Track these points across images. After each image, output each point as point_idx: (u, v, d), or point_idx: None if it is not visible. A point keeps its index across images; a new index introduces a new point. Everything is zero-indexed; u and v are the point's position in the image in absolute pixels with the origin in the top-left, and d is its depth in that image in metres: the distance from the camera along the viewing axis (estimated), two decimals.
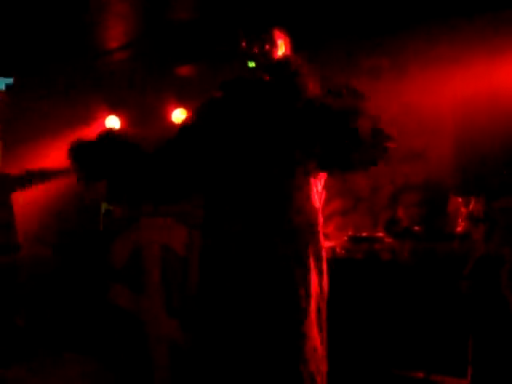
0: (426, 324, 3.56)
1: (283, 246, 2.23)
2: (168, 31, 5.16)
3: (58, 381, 4.41)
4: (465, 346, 3.38)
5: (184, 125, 2.63)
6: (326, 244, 3.94)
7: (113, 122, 6.51)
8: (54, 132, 5.66)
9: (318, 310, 2.30)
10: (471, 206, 3.74)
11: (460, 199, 3.88)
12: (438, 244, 3.72)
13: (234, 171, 2.31)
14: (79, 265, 5.92)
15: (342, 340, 3.74)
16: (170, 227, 4.45)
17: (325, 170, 2.32)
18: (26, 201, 5.28)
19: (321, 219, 2.36)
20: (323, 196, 2.41)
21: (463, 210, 3.78)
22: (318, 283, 2.30)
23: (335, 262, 3.92)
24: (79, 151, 2.45)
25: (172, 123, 6.23)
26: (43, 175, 5.06)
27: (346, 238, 4.00)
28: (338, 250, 3.95)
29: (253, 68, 2.36)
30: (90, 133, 6.62)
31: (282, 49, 2.48)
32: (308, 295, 2.23)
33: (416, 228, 3.90)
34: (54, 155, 6.09)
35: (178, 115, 6.23)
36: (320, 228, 2.34)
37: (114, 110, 6.52)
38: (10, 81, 6.09)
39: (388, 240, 3.88)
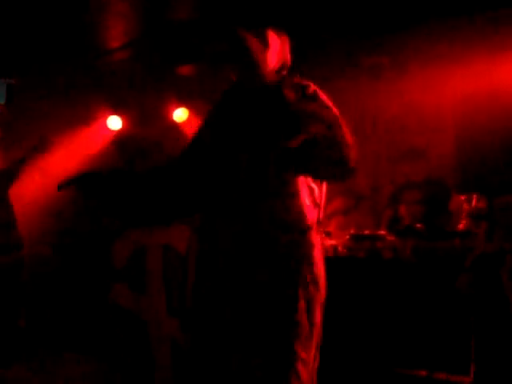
0: (429, 322, 3.55)
1: (273, 250, 2.23)
2: (168, 31, 5.16)
3: (58, 381, 4.41)
4: (467, 343, 3.37)
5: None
6: (327, 242, 3.99)
7: (114, 122, 6.53)
8: (54, 132, 5.65)
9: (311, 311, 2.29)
10: (473, 204, 3.74)
11: (462, 197, 3.88)
12: (440, 242, 3.72)
13: (226, 175, 2.32)
14: (80, 265, 5.92)
15: (345, 339, 3.75)
16: (172, 227, 4.44)
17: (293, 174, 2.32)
18: (26, 201, 5.28)
19: (312, 216, 2.33)
20: (323, 193, 2.40)
21: (465, 207, 3.78)
22: (311, 284, 2.29)
23: (337, 261, 3.96)
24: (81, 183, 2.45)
25: (173, 122, 6.25)
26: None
27: (347, 237, 4.00)
28: (340, 248, 3.95)
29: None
30: (90, 133, 6.67)
31: (276, 49, 2.46)
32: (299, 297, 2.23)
33: (418, 226, 3.89)
34: (55, 155, 6.13)
35: (180, 114, 6.24)
36: (312, 225, 2.31)
37: (114, 110, 6.53)
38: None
39: (390, 238, 3.88)
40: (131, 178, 2.50)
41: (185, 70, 5.75)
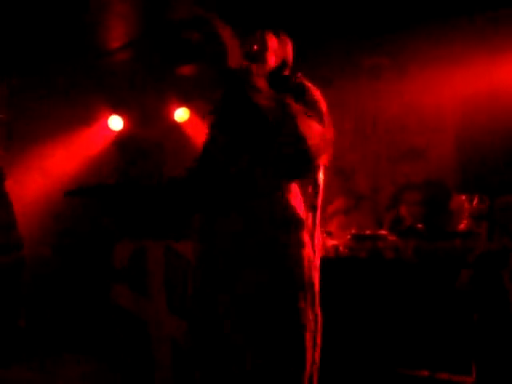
0: (431, 322, 3.55)
1: (272, 250, 2.24)
2: (168, 31, 5.15)
3: (58, 381, 4.40)
4: (469, 343, 3.38)
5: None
6: (329, 243, 3.99)
7: (115, 122, 6.52)
8: (54, 133, 5.67)
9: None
10: (475, 204, 3.75)
11: (463, 197, 3.89)
12: (442, 242, 3.72)
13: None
14: (80, 265, 5.92)
15: (347, 339, 3.75)
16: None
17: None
18: (26, 201, 5.27)
19: (305, 216, 2.33)
20: (320, 191, 2.41)
21: (467, 207, 3.79)
22: (308, 284, 2.30)
23: (339, 261, 3.96)
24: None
25: (174, 123, 6.24)
26: None
27: (349, 237, 4.00)
28: (341, 248, 3.95)
29: None
30: (91, 133, 6.66)
31: (276, 51, 2.48)
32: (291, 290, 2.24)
33: (419, 226, 3.90)
34: (55, 156, 6.14)
35: (181, 114, 6.23)
36: (300, 225, 2.31)
37: (115, 110, 6.52)
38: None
39: (391, 238, 3.88)
40: (145, 192, 2.49)
41: (185, 69, 5.75)
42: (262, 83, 2.14)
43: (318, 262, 2.40)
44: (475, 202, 3.76)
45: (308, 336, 2.22)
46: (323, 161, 2.32)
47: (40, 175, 5.88)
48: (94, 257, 5.54)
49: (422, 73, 5.11)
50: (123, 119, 6.51)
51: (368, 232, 4.01)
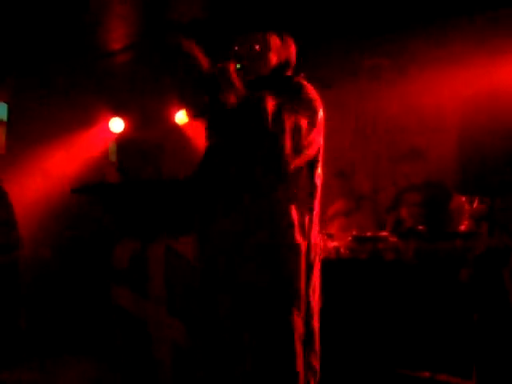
0: (431, 323, 3.55)
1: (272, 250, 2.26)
2: (168, 32, 5.15)
3: (58, 381, 4.40)
4: (470, 346, 3.38)
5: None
6: (330, 244, 3.99)
7: (116, 124, 6.52)
8: (55, 134, 5.67)
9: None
10: (475, 205, 3.75)
11: (464, 198, 3.88)
12: (442, 243, 3.72)
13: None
14: (80, 266, 5.92)
15: (348, 340, 3.75)
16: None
17: None
18: (27, 202, 5.27)
19: (297, 217, 2.34)
20: (318, 191, 2.43)
21: (467, 208, 3.79)
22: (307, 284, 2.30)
23: (340, 263, 3.96)
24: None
25: (175, 125, 6.23)
26: None
27: (350, 238, 4.00)
28: (342, 250, 3.95)
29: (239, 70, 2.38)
30: (91, 135, 6.66)
31: (279, 51, 2.51)
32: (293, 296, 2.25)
33: (420, 227, 3.89)
34: (55, 156, 6.14)
35: (181, 117, 6.23)
36: (295, 227, 2.32)
37: (115, 112, 6.52)
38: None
39: (392, 240, 3.88)
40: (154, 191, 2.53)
41: (185, 70, 5.74)
42: (237, 81, 2.26)
43: (317, 263, 2.41)
44: (476, 202, 3.75)
45: (298, 342, 2.24)
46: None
47: (40, 176, 5.88)
48: (94, 257, 5.54)
49: (422, 73, 5.11)
50: (124, 121, 6.51)
51: (369, 233, 4.01)
